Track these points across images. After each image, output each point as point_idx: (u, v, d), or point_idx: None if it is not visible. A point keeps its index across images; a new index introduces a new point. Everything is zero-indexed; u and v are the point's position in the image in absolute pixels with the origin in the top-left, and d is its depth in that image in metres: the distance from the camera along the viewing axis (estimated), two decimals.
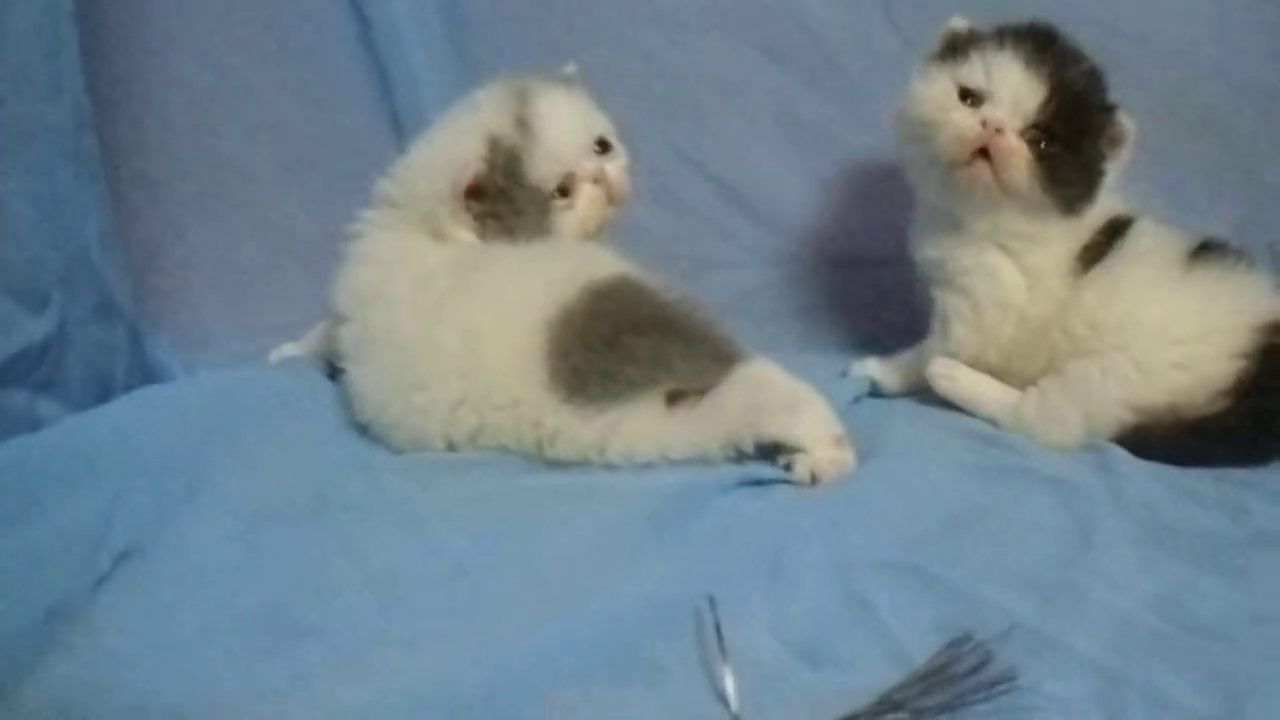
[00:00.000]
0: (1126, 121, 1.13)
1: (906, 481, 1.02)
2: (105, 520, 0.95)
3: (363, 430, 1.12)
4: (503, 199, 1.14)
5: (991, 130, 1.09)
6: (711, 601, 0.80)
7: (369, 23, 1.43)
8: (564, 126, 1.16)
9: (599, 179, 1.17)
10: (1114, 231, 1.15)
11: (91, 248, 1.25)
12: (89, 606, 0.85)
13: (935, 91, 1.13)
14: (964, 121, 1.10)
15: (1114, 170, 1.14)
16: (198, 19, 1.44)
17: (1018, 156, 1.09)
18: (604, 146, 1.19)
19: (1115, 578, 0.89)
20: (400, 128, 1.39)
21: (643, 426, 1.03)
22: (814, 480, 1.01)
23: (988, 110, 1.10)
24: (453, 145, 1.16)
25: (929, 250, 1.19)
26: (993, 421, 1.15)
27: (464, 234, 1.15)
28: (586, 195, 1.17)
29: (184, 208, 1.47)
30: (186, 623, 0.84)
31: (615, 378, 1.03)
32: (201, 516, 0.97)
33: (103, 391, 1.23)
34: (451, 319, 1.09)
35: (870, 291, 1.42)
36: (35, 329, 1.16)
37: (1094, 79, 1.13)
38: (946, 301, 1.18)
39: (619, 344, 1.03)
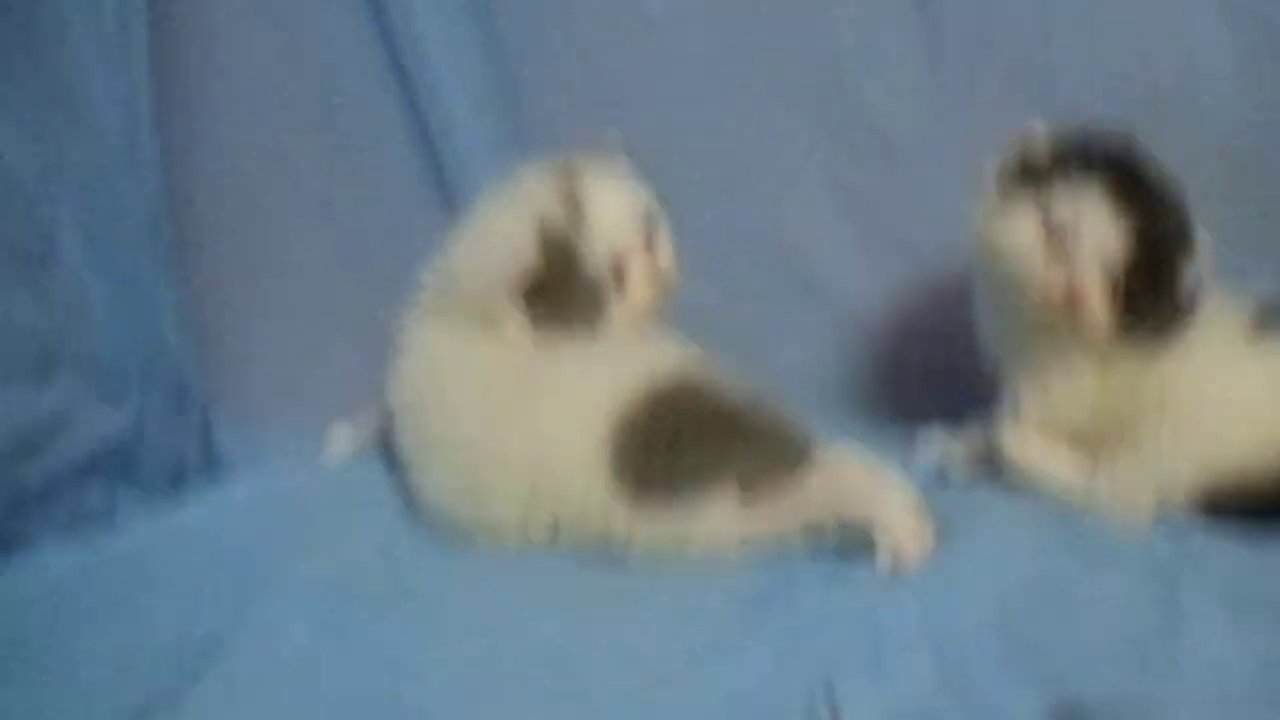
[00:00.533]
0: (1203, 248, 1.11)
1: (991, 556, 1.01)
2: (188, 616, 0.94)
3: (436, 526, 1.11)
4: (557, 288, 1.09)
5: (1077, 289, 1.09)
6: (829, 688, 0.79)
7: (419, 105, 1.43)
8: (615, 204, 1.12)
9: (650, 255, 1.13)
10: None
11: (168, 333, 1.23)
12: (179, 704, 0.84)
13: (1019, 228, 1.11)
14: (1049, 277, 1.09)
15: None
16: (248, 103, 1.45)
17: (1100, 316, 1.09)
18: (650, 220, 1.15)
19: (1211, 644, 0.88)
20: (452, 207, 1.38)
21: (717, 524, 1.02)
22: (898, 558, 0.99)
23: (1073, 267, 1.08)
24: (501, 237, 1.10)
25: (1000, 344, 1.19)
26: (1066, 494, 1.15)
27: (517, 328, 1.09)
28: (640, 275, 1.12)
29: (236, 289, 1.47)
30: (281, 716, 0.83)
31: (677, 483, 1.02)
32: (283, 607, 0.96)
33: (176, 479, 1.21)
34: (516, 426, 1.06)
35: (932, 367, 1.41)
36: (114, 423, 1.14)
37: (1181, 219, 1.11)
38: (1017, 385, 1.18)
39: (679, 449, 1.02)
